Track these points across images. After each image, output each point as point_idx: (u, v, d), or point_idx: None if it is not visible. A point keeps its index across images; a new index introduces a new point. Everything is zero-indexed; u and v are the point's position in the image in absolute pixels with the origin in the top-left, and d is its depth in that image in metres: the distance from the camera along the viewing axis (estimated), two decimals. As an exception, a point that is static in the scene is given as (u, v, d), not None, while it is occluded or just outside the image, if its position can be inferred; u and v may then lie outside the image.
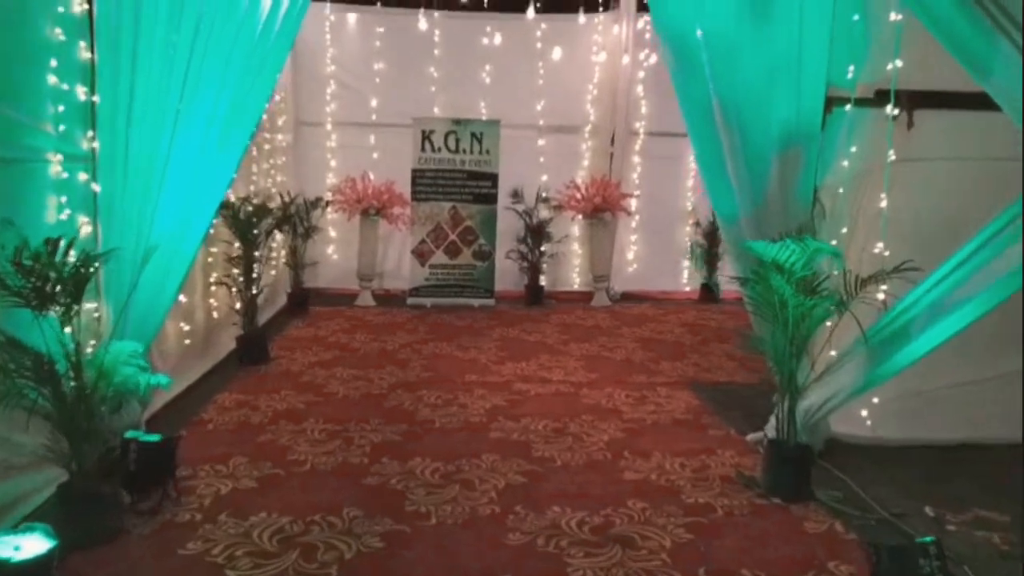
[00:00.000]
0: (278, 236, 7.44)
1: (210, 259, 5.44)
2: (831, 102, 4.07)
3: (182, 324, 4.87)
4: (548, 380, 5.52)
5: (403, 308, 8.04)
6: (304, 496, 3.54)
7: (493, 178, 8.26)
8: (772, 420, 4.16)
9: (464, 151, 8.22)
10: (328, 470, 3.84)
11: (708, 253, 8.87)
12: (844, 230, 4.03)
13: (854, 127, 4.04)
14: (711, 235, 8.81)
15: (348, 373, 5.56)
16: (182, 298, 4.79)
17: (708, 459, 4.08)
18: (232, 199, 5.69)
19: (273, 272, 7.40)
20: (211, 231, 5.34)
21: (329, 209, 8.29)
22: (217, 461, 3.88)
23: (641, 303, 8.76)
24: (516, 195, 8.36)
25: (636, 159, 8.82)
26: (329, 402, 4.92)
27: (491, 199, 8.28)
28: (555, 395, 5.18)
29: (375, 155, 8.56)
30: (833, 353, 3.86)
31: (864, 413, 4.07)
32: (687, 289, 9.14)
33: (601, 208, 8.26)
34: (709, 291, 8.91)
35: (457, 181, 8.25)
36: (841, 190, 4.10)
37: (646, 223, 8.91)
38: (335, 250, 8.67)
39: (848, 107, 4.04)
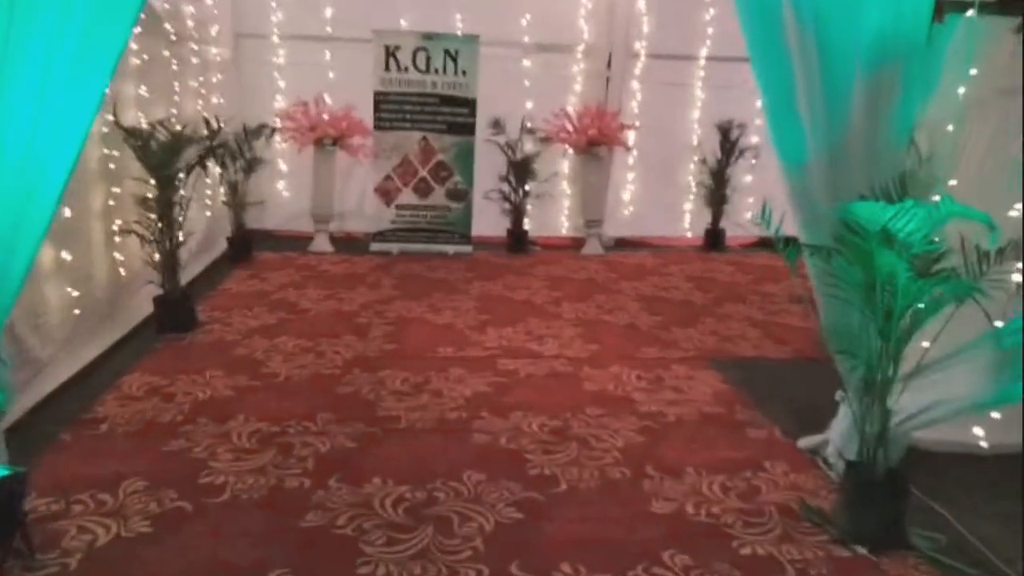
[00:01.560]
0: (216, 170, 6.25)
1: (111, 201, 4.28)
2: (943, 6, 2.98)
3: (69, 289, 3.75)
4: (540, 354, 4.53)
5: (366, 254, 6.95)
6: (218, 550, 2.54)
7: (470, 104, 7.06)
8: (835, 427, 3.23)
9: (436, 71, 6.99)
10: (255, 501, 2.83)
11: (715, 194, 7.84)
12: (953, 182, 3.00)
13: (976, 41, 2.98)
14: (719, 174, 7.77)
15: (294, 344, 4.51)
16: (66, 256, 3.66)
17: (755, 477, 3.14)
18: (143, 125, 4.50)
19: (208, 214, 6.23)
20: (111, 166, 4.18)
21: (277, 138, 7.06)
22: (102, 486, 2.85)
23: (638, 251, 7.75)
24: (497, 125, 7.19)
25: (636, 85, 7.66)
26: (267, 388, 3.88)
27: (468, 129, 7.11)
28: (550, 377, 4.19)
29: (331, 74, 7.28)
30: (925, 344, 2.89)
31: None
32: (689, 235, 8.14)
33: (596, 142, 7.15)
34: (714, 238, 7.92)
35: (428, 107, 7.04)
36: (951, 127, 3.06)
37: (645, 159, 7.82)
38: (286, 186, 7.48)
39: (969, 13, 2.96)
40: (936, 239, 2.53)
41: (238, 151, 6.36)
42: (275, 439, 3.29)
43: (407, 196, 7.12)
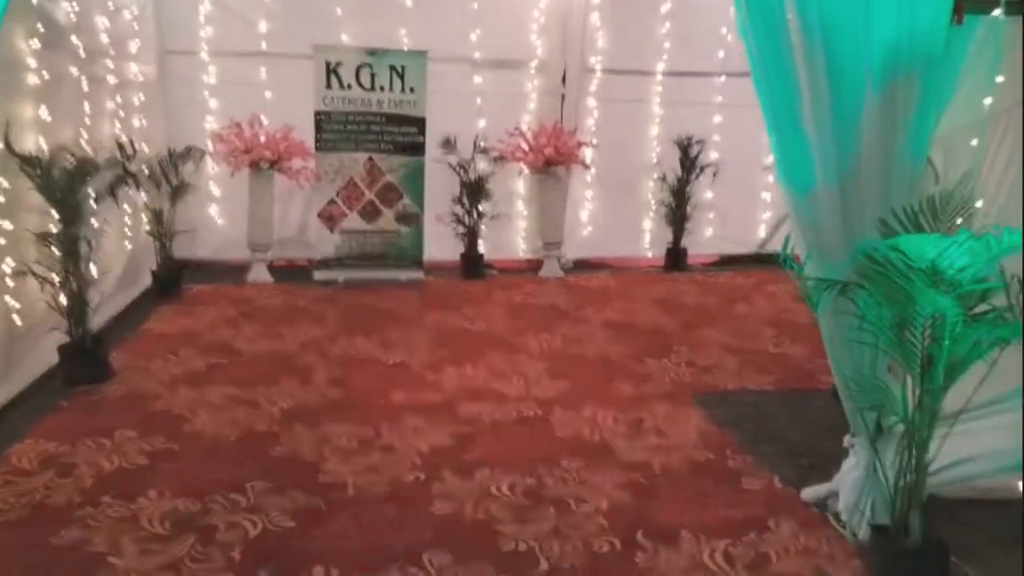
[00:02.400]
0: (142, 197, 5.67)
1: (1, 240, 3.67)
2: (962, 6, 2.65)
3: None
4: (505, 396, 4.08)
5: (309, 284, 6.40)
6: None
7: (419, 123, 6.62)
8: (845, 478, 2.86)
9: (382, 89, 6.52)
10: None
11: (675, 212, 7.53)
12: (979, 203, 2.67)
13: (1001, 44, 2.66)
14: (679, 191, 7.47)
15: (225, 395, 3.96)
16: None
17: (762, 541, 2.73)
18: (44, 151, 3.93)
19: (129, 246, 5.62)
20: (1, 199, 3.60)
21: (209, 162, 6.49)
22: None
23: (598, 272, 7.38)
24: (448, 144, 6.75)
25: (592, 102, 7.32)
26: (188, 451, 3.33)
27: (417, 149, 6.65)
28: (518, 423, 3.74)
29: (267, 94, 6.75)
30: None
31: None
32: (650, 255, 7.80)
33: (553, 161, 6.77)
34: (676, 257, 7.60)
35: (374, 127, 6.57)
36: (975, 141, 2.73)
37: (603, 178, 7.47)
38: (220, 212, 6.89)
39: (996, 12, 2.65)
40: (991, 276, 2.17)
41: (162, 176, 5.77)
42: (194, 521, 2.74)
43: (353, 221, 6.61)
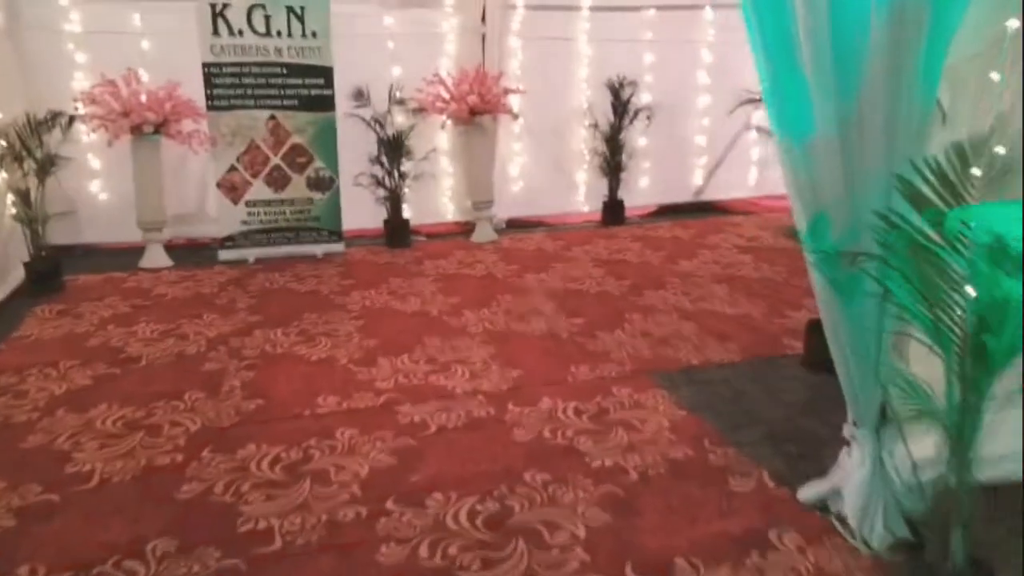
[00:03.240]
0: (1, 174, 4.81)
1: None
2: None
3: None
4: (450, 392, 3.59)
5: (214, 266, 5.69)
6: None
7: (326, 74, 5.88)
8: (848, 476, 2.52)
9: (279, 35, 5.74)
10: None
11: (610, 162, 7.08)
12: (1001, 149, 2.27)
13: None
14: (612, 139, 7.01)
15: (116, 419, 3.33)
16: None
17: (766, 562, 2.38)
18: None
19: (-12, 237, 4.77)
20: None
21: (82, 128, 5.59)
22: None
23: (533, 232, 6.91)
24: (360, 97, 6.06)
25: (515, 41, 6.71)
26: (72, 502, 2.72)
27: (326, 104, 5.93)
28: (469, 428, 3.26)
29: (144, 44, 5.86)
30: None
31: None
32: (585, 209, 7.37)
33: (478, 110, 6.16)
34: (613, 211, 7.19)
35: (274, 79, 5.79)
36: (996, 76, 2.32)
37: (531, 127, 6.93)
38: (102, 188, 6.02)
39: None
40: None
41: (23, 149, 4.89)
42: (78, 610, 2.18)
43: (259, 190, 5.88)
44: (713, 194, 7.78)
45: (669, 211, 7.58)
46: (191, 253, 5.98)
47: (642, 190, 7.48)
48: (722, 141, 7.61)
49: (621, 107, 6.95)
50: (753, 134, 7.72)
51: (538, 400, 3.47)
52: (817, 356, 3.76)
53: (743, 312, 4.73)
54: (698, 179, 7.74)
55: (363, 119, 6.11)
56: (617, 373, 3.80)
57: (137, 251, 5.77)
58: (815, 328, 3.75)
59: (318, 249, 6.02)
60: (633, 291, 5.15)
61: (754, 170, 7.90)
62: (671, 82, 7.25)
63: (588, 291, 5.16)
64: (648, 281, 5.37)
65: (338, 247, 6.09)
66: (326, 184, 6.01)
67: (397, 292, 5.12)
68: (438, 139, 6.63)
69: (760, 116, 7.65)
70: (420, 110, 6.25)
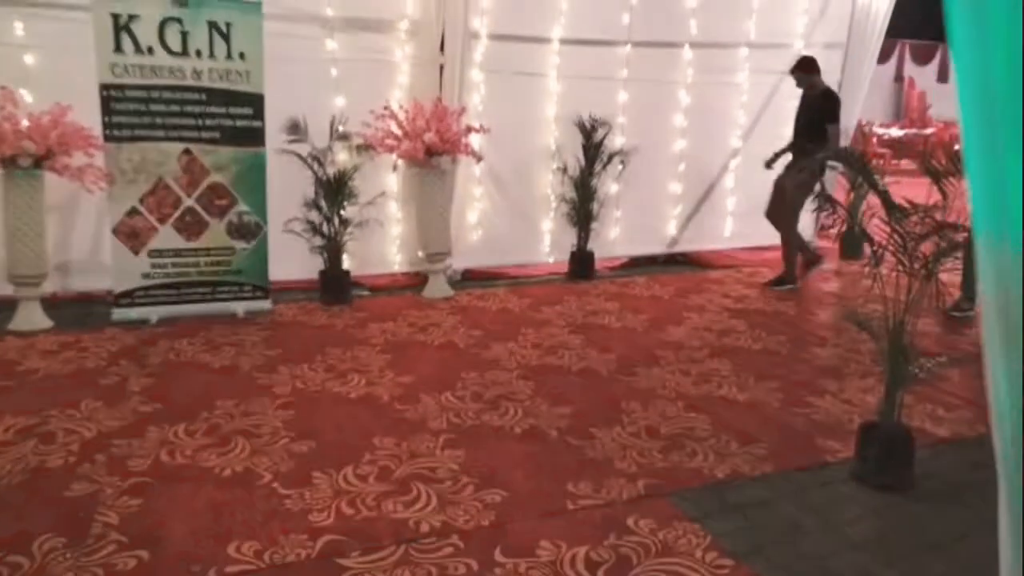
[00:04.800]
0: None
1: None
2: None
3: None
4: (412, 528, 2.64)
5: (105, 329, 4.61)
6: None
7: (255, 102, 4.94)
8: None
9: (199, 55, 4.78)
10: None
11: (580, 210, 6.32)
12: None
13: None
14: (583, 185, 6.26)
15: (-79, 585, 2.26)
16: None
17: None
18: None
19: None
20: None
21: (-61, 158, 4.47)
22: None
23: (493, 286, 6.06)
24: (296, 130, 5.14)
25: (477, 74, 5.92)
26: None
27: (254, 137, 4.97)
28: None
29: (28, 58, 4.81)
30: None
31: None
32: (550, 260, 6.58)
33: (435, 150, 5.31)
34: (582, 263, 6.41)
35: (191, 107, 4.82)
36: None
37: (493, 170, 6.12)
38: (-34, 230, 4.86)
39: None
40: None
41: None
42: None
43: (167, 237, 4.85)
44: (687, 245, 7.11)
45: (640, 264, 6.87)
46: (79, 311, 4.89)
47: (612, 240, 6.75)
48: (698, 189, 6.97)
49: (593, 150, 6.22)
50: (729, 182, 7.12)
51: (535, 545, 2.57)
52: (873, 469, 3.01)
53: (757, 399, 3.96)
54: (672, 229, 7.07)
55: (299, 156, 5.18)
56: (629, 495, 2.93)
57: (8, 308, 4.64)
58: (870, 434, 3.00)
59: (239, 307, 5.00)
60: (623, 368, 4.33)
61: (730, 220, 7.28)
62: (646, 124, 6.59)
63: (569, 368, 4.31)
64: (637, 354, 4.56)
65: (264, 304, 5.09)
66: (251, 231, 5.02)
67: (336, 367, 4.16)
68: (386, 181, 5.74)
69: (737, 163, 7.08)
70: (367, 147, 5.37)
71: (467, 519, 2.71)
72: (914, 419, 3.71)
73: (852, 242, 7.40)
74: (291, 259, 5.44)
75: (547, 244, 6.54)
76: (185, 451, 3.15)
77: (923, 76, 18.60)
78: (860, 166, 2.93)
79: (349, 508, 2.76)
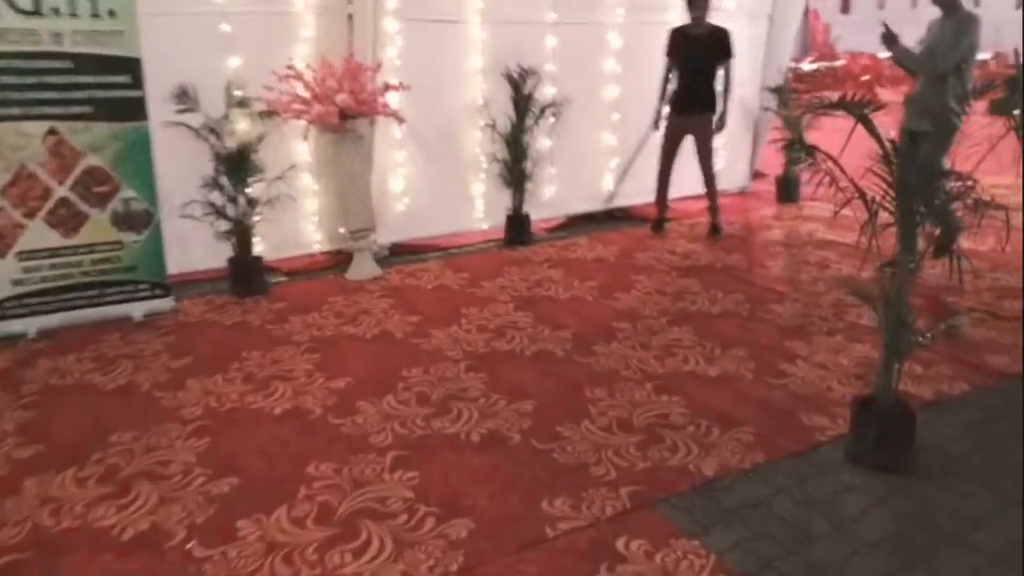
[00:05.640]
0: None
1: None
2: None
3: None
4: (366, 587, 2.20)
5: (-26, 350, 3.89)
6: None
7: (132, 68, 4.20)
8: None
9: (57, 13, 3.99)
10: None
11: (513, 169, 5.83)
12: None
13: None
14: (515, 142, 5.75)
15: None
16: None
17: None
18: None
19: None
20: None
21: None
22: None
23: (425, 259, 5.55)
24: (185, 98, 4.42)
25: (391, 24, 5.26)
26: None
27: (134, 109, 4.24)
28: None
29: None
30: None
31: None
32: (484, 227, 6.08)
33: (350, 113, 4.70)
34: (518, 227, 5.95)
35: (52, 78, 4.04)
36: None
37: (416, 131, 5.52)
38: None
39: None
40: None
41: None
42: None
43: (38, 235, 4.11)
44: (625, 199, 6.73)
45: (579, 222, 6.47)
46: (-62, 330, 4.12)
47: (549, 200, 6.30)
48: (633, 139, 6.56)
49: (523, 103, 5.70)
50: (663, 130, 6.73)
51: (515, 592, 2.16)
52: (872, 450, 2.72)
53: (728, 372, 3.64)
54: (609, 184, 6.67)
55: (190, 128, 4.48)
56: (613, 509, 2.55)
57: None
58: (867, 411, 2.71)
59: (135, 310, 4.34)
60: (580, 347, 3.93)
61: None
62: (576, 72, 6.10)
63: (522, 352, 3.88)
64: (592, 329, 4.17)
65: (164, 304, 4.44)
66: (141, 220, 4.33)
67: (256, 375, 3.60)
68: (298, 151, 5.09)
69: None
70: (271, 114, 4.69)
71: (431, 565, 2.28)
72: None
73: (788, 186, 7.21)
74: (193, 247, 4.79)
75: (480, 209, 6.03)
76: (74, 508, 2.57)
77: (826, 8, 18.72)
78: (860, 115, 2.55)
79: (286, 568, 2.27)
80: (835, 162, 2.72)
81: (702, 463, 2.84)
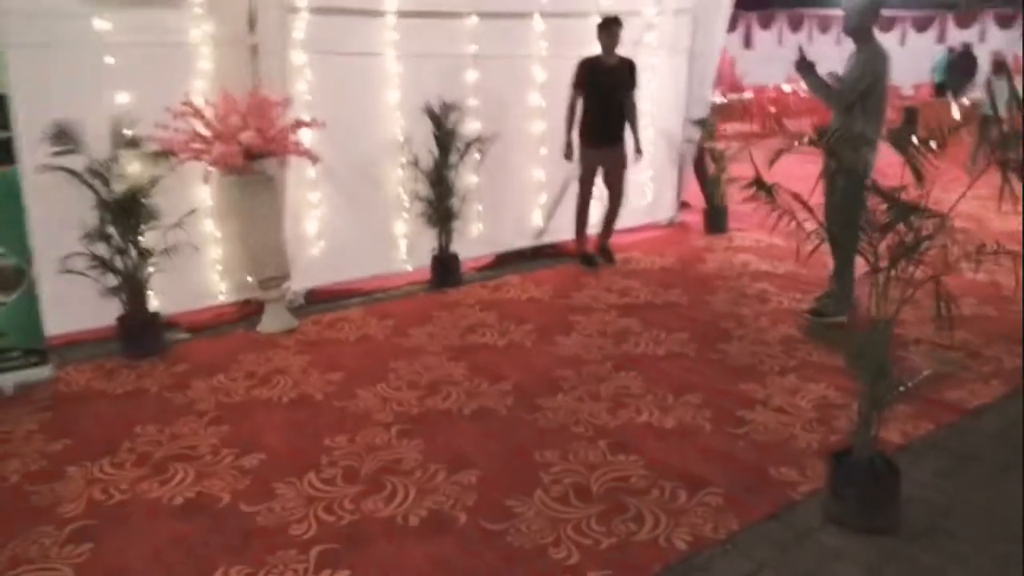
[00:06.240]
0: None
1: None
2: None
3: None
4: None
5: None
6: None
7: (-4, 103, 3.65)
8: None
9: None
10: None
11: (438, 208, 5.48)
12: None
13: None
14: (439, 180, 5.42)
15: None
16: None
17: None
18: None
19: None
20: None
21: None
22: None
23: (346, 307, 5.10)
24: (62, 137, 3.89)
25: (300, 56, 4.86)
26: None
27: (1, 152, 3.68)
28: None
29: None
30: None
31: None
32: (410, 268, 5.68)
33: (257, 152, 4.26)
34: (445, 268, 5.60)
35: None
36: None
37: (332, 170, 5.10)
38: None
39: None
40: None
41: None
42: None
43: None
44: (555, 235, 6.48)
45: (508, 260, 6.16)
46: None
47: (477, 238, 5.98)
48: (561, 173, 6.33)
49: (446, 139, 5.39)
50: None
51: None
52: (856, 511, 2.48)
53: (685, 423, 3.37)
54: (538, 219, 6.41)
55: (71, 172, 3.94)
56: (584, 600, 2.20)
57: None
58: (846, 468, 2.46)
59: (5, 381, 3.73)
60: (522, 402, 3.59)
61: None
62: (501, 106, 5.85)
63: (460, 411, 3.50)
64: (534, 380, 3.84)
65: (41, 373, 3.85)
66: (10, 279, 3.74)
67: (151, 456, 3.09)
68: (197, 195, 4.59)
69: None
70: (166, 155, 4.20)
71: None
72: (840, 422, 3.29)
73: (716, 216, 7.15)
74: (77, 305, 4.19)
75: (403, 250, 5.64)
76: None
77: (730, 43, 19.40)
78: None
79: None
80: (802, 201, 2.50)
81: (673, 535, 2.53)
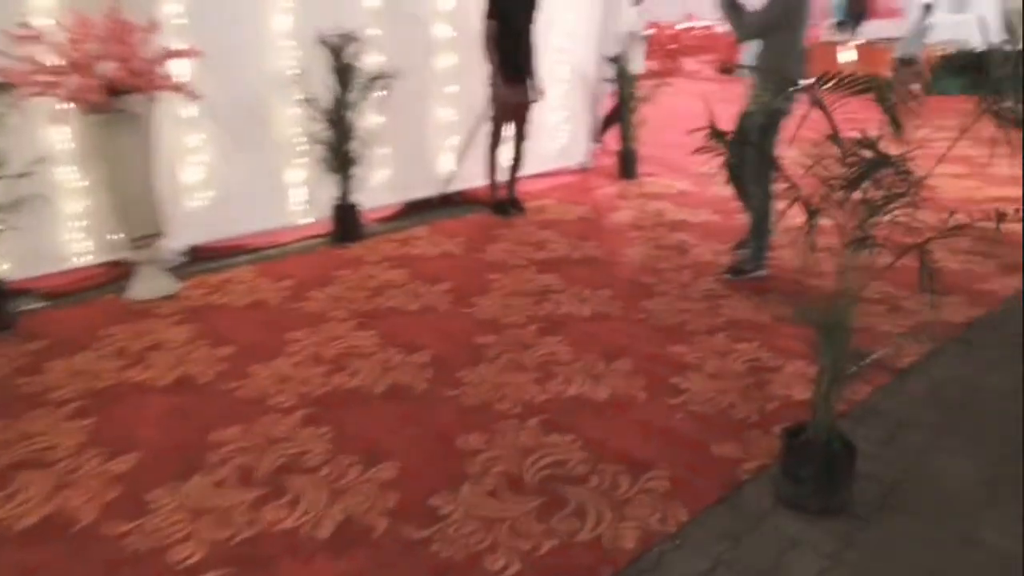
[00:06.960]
0: None
1: None
2: None
3: None
4: None
5: None
6: None
7: None
8: None
9: None
10: None
11: (337, 152, 4.93)
12: None
13: None
14: (338, 119, 4.86)
15: None
16: None
17: None
18: None
19: None
20: None
21: None
22: None
23: (234, 265, 4.56)
24: None
25: (168, -27, 4.14)
26: None
27: None
28: None
29: None
30: None
31: None
32: (305, 220, 5.14)
33: (121, 86, 3.59)
34: (347, 220, 5.09)
35: None
36: None
37: (214, 108, 4.45)
38: None
39: None
40: None
41: None
42: None
43: None
44: (465, 182, 6.06)
45: (415, 210, 5.72)
46: None
47: (380, 186, 5.48)
48: (473, 113, 5.87)
49: (344, 74, 4.81)
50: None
51: None
52: (812, 493, 2.31)
53: (619, 393, 3.12)
54: (448, 164, 5.95)
55: None
56: (525, 627, 1.91)
57: None
58: (801, 447, 2.27)
59: None
60: (441, 375, 3.24)
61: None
62: (406, 37, 5.30)
63: (372, 389, 3.11)
64: (452, 348, 3.49)
65: None
66: None
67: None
68: (47, 138, 3.88)
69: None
70: (6, 87, 3.48)
71: None
72: (776, 386, 3.14)
73: (629, 161, 6.90)
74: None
75: (299, 200, 5.08)
76: None
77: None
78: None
79: None
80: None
81: (618, 532, 2.28)
